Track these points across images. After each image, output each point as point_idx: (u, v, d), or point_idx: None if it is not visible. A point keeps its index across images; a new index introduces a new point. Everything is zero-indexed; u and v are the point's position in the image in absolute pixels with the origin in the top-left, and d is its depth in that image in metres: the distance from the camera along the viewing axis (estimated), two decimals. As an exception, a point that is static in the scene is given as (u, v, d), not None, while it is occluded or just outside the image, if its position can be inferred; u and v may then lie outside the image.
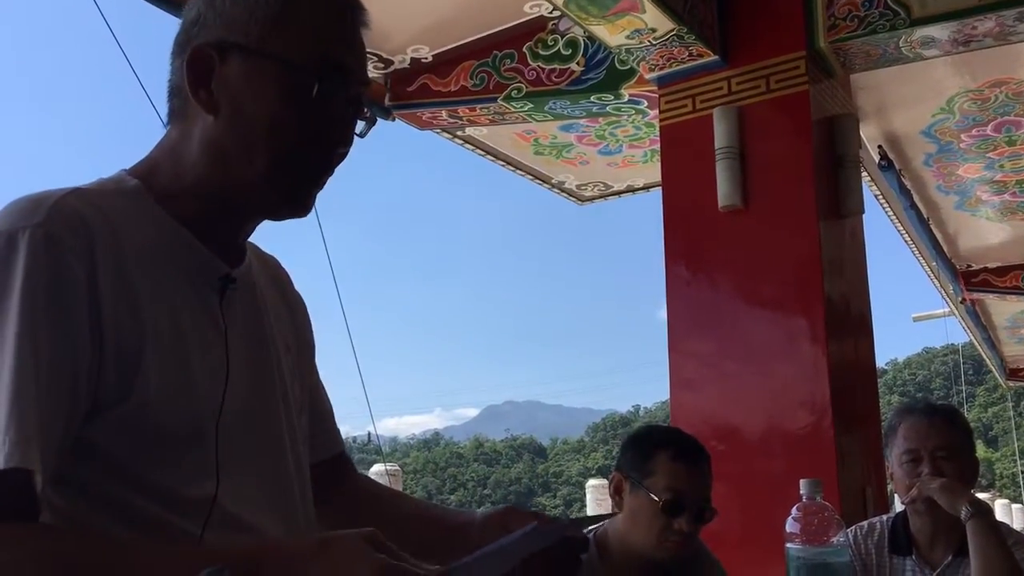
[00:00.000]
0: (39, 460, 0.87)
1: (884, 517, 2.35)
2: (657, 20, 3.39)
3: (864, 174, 4.90)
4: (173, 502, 0.98)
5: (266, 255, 1.23)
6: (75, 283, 0.93)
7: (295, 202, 1.07)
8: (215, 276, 1.06)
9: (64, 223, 0.94)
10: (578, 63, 4.17)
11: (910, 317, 15.02)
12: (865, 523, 2.36)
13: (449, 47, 4.36)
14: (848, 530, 2.30)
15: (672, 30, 3.47)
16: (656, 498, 1.93)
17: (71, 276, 0.92)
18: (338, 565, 0.84)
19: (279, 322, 1.17)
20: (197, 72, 1.02)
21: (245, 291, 1.11)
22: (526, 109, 4.39)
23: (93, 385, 0.93)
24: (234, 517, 1.02)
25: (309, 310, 1.31)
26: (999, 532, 2.06)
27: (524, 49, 4.28)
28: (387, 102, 4.51)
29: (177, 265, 1.03)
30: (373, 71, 4.31)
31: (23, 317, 0.89)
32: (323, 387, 1.32)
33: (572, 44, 4.18)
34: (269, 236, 1.21)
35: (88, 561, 0.88)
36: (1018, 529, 3.07)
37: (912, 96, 4.77)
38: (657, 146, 4.08)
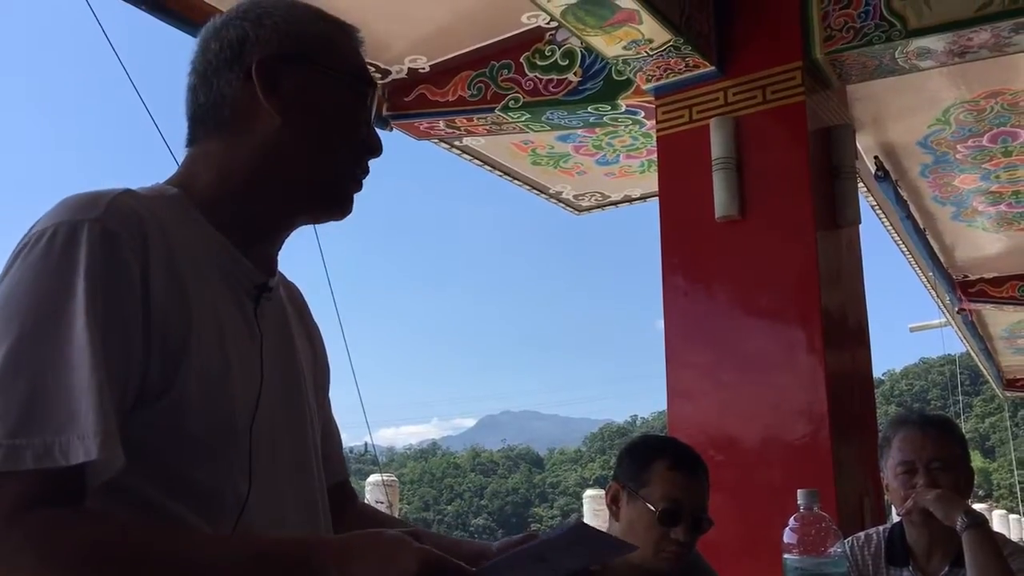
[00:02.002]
0: (120, 453, 0.91)
1: (881, 528, 2.35)
2: (654, 31, 3.40)
3: (860, 185, 4.91)
4: (203, 502, 0.99)
5: (288, 280, 1.27)
6: (131, 278, 0.96)
7: (344, 202, 1.15)
8: (252, 284, 1.11)
9: (121, 219, 0.97)
10: (575, 74, 4.18)
11: (907, 327, 15.04)
12: (862, 534, 2.36)
13: (446, 57, 4.37)
14: (845, 540, 2.29)
15: (669, 41, 3.48)
16: (653, 508, 1.92)
17: (127, 271, 0.96)
18: (385, 556, 0.90)
19: (301, 347, 1.21)
20: (265, 82, 1.10)
21: (276, 304, 1.16)
22: (523, 119, 4.40)
23: (139, 380, 0.96)
24: (262, 522, 1.04)
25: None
26: (995, 542, 2.06)
27: (521, 59, 4.29)
28: (385, 112, 4.52)
29: (219, 270, 1.07)
30: (371, 81, 4.31)
31: (88, 311, 0.92)
32: (333, 415, 1.35)
33: (569, 55, 4.19)
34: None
35: (154, 549, 0.91)
36: (1015, 539, 3.07)
37: (908, 107, 4.79)
38: (654, 156, 4.09)
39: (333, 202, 1.15)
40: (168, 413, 0.97)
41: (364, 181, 1.17)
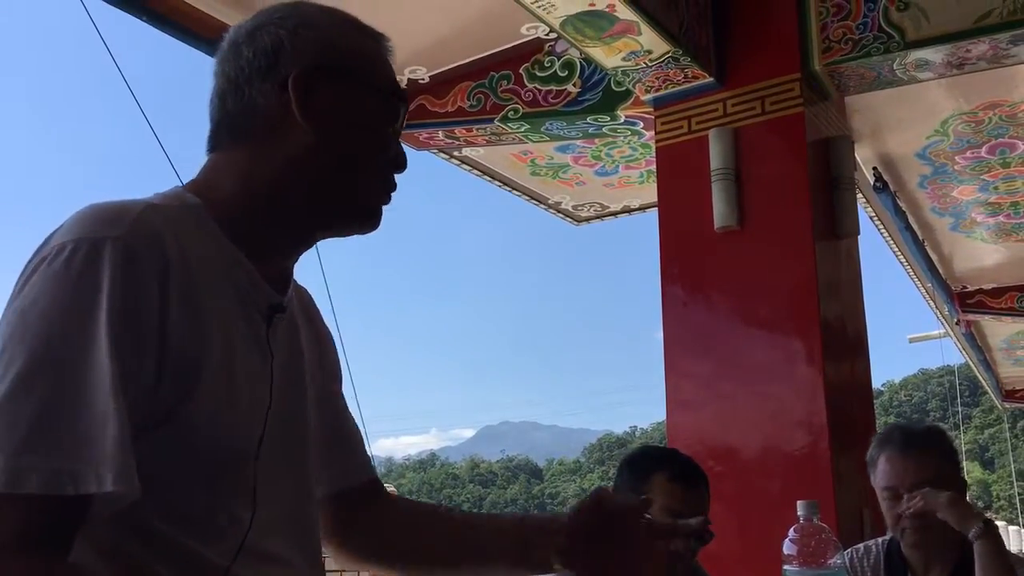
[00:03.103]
0: (137, 485, 0.89)
1: (880, 540, 2.33)
2: (653, 42, 3.41)
3: (859, 196, 4.92)
4: (203, 528, 0.97)
5: (300, 285, 1.23)
6: (150, 302, 0.93)
7: (373, 217, 1.14)
8: (265, 304, 1.08)
9: (143, 239, 0.94)
10: (574, 84, 4.19)
11: (906, 338, 15.05)
12: (861, 545, 2.35)
13: (446, 68, 4.38)
14: (845, 552, 2.29)
15: (668, 52, 3.49)
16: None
17: (147, 295, 0.92)
18: None
19: (309, 355, 1.18)
20: (300, 95, 1.07)
21: (287, 322, 1.13)
22: (523, 130, 4.40)
23: (147, 406, 0.93)
24: (261, 548, 1.02)
25: None
26: (1007, 553, 2.03)
27: (521, 70, 4.30)
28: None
29: (235, 290, 1.04)
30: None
31: (109, 335, 0.89)
32: (351, 415, 1.32)
33: (568, 65, 4.20)
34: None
35: None
36: (1015, 551, 3.06)
37: (907, 118, 4.80)
38: (653, 167, 4.10)
39: (363, 217, 1.13)
40: (173, 438, 0.95)
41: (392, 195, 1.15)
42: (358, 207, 1.12)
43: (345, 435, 1.28)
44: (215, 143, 1.11)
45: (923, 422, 3.13)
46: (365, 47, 1.13)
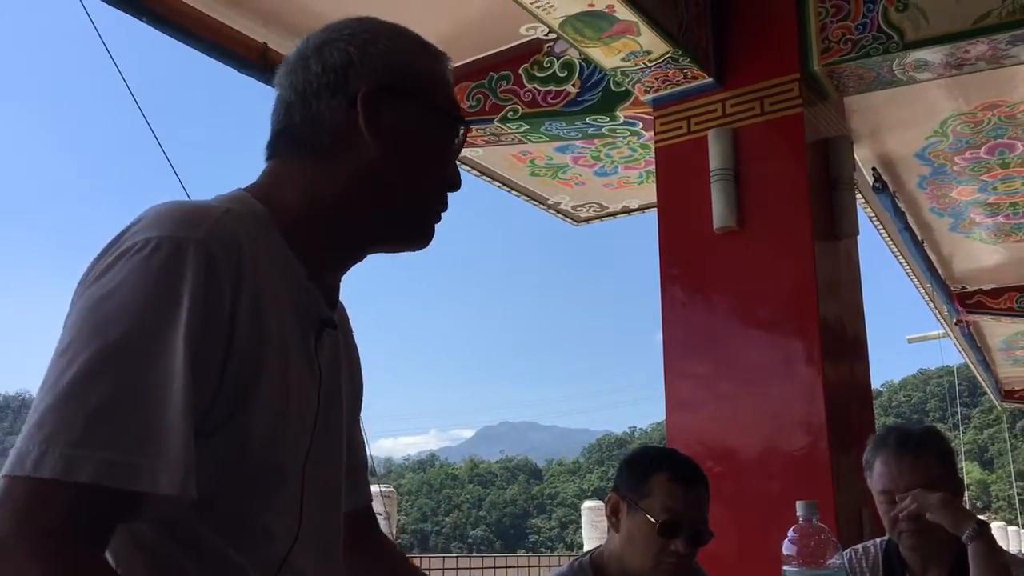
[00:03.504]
0: (194, 491, 0.89)
1: (878, 540, 2.34)
2: (652, 43, 3.41)
3: (858, 196, 4.92)
4: (246, 539, 0.98)
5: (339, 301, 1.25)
6: (222, 308, 0.93)
7: (428, 235, 1.15)
8: (318, 317, 1.09)
9: (222, 244, 0.95)
10: (573, 85, 4.19)
11: (905, 339, 15.07)
12: (860, 546, 2.35)
13: (445, 68, 4.38)
14: (844, 552, 2.29)
15: (667, 53, 3.49)
16: (653, 519, 1.92)
17: (220, 301, 0.93)
18: None
19: (344, 369, 1.19)
20: (368, 113, 1.08)
21: (332, 337, 1.14)
22: (522, 130, 4.41)
23: (207, 411, 0.93)
24: (303, 561, 1.03)
25: None
26: (1001, 553, 2.04)
27: (520, 71, 4.30)
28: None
29: (293, 301, 1.05)
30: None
31: (186, 336, 0.89)
32: (363, 438, 1.34)
33: (568, 66, 4.21)
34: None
35: None
36: (1014, 551, 3.06)
37: (906, 119, 4.81)
38: (652, 167, 4.10)
39: (418, 234, 1.15)
40: (227, 445, 0.95)
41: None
42: (416, 224, 1.14)
43: (355, 457, 1.29)
44: (275, 151, 1.13)
45: (920, 423, 3.13)
46: (430, 67, 1.15)
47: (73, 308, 0.92)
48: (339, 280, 1.16)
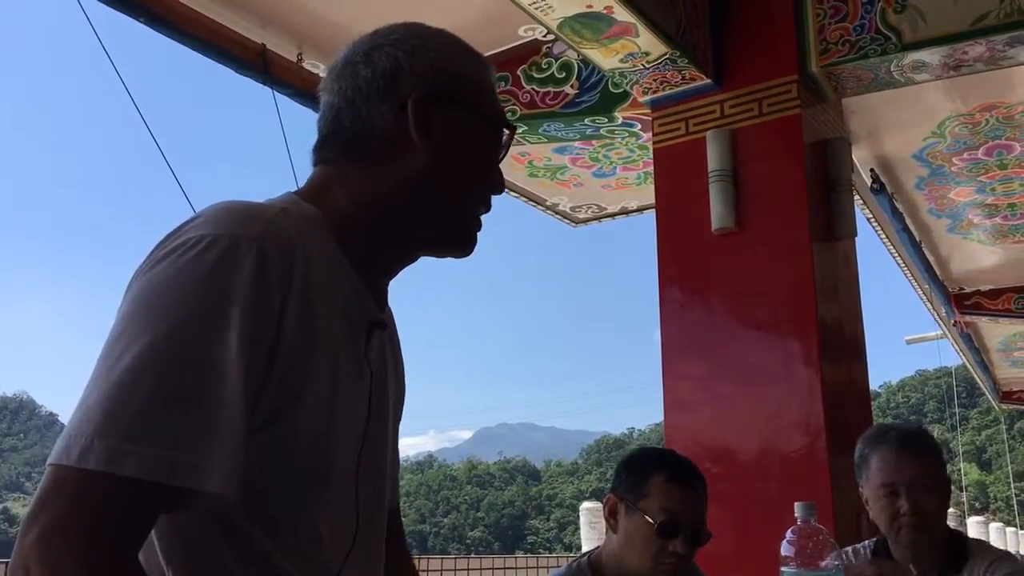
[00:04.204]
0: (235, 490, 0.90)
1: (866, 543, 2.35)
2: (650, 44, 3.42)
3: (856, 197, 4.92)
4: (296, 542, 0.98)
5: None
6: (272, 308, 0.94)
7: (472, 240, 1.16)
8: (367, 319, 1.09)
9: (276, 244, 0.96)
10: (572, 86, 4.19)
11: (903, 340, 15.08)
12: (849, 548, 2.35)
13: (444, 70, 4.38)
14: (844, 551, 2.30)
15: (665, 54, 3.49)
16: (651, 520, 1.92)
17: (271, 300, 0.94)
18: None
19: (391, 374, 1.20)
20: (418, 119, 1.09)
21: (381, 339, 1.14)
22: (520, 131, 4.41)
23: (255, 408, 0.94)
24: (358, 567, 1.04)
25: None
26: None
27: (518, 72, 4.30)
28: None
29: (343, 302, 1.05)
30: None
31: (241, 336, 0.90)
32: (398, 439, 1.33)
33: (566, 67, 4.21)
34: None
35: None
36: (1012, 551, 3.06)
37: (904, 120, 4.81)
38: (651, 168, 4.10)
39: (464, 240, 1.16)
40: (275, 444, 0.95)
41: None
42: (462, 231, 1.15)
43: (394, 459, 1.29)
44: (324, 156, 1.13)
45: (917, 424, 3.17)
46: (478, 74, 1.17)
47: (126, 297, 0.93)
48: (389, 281, 1.17)
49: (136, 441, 0.83)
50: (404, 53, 1.11)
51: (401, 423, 1.27)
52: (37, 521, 0.82)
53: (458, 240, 1.16)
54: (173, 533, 0.95)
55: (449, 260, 1.19)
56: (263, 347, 0.93)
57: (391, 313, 1.24)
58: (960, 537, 2.27)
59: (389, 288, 1.17)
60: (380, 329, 1.11)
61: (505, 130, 1.17)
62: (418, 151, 1.09)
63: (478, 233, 1.17)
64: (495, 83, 1.20)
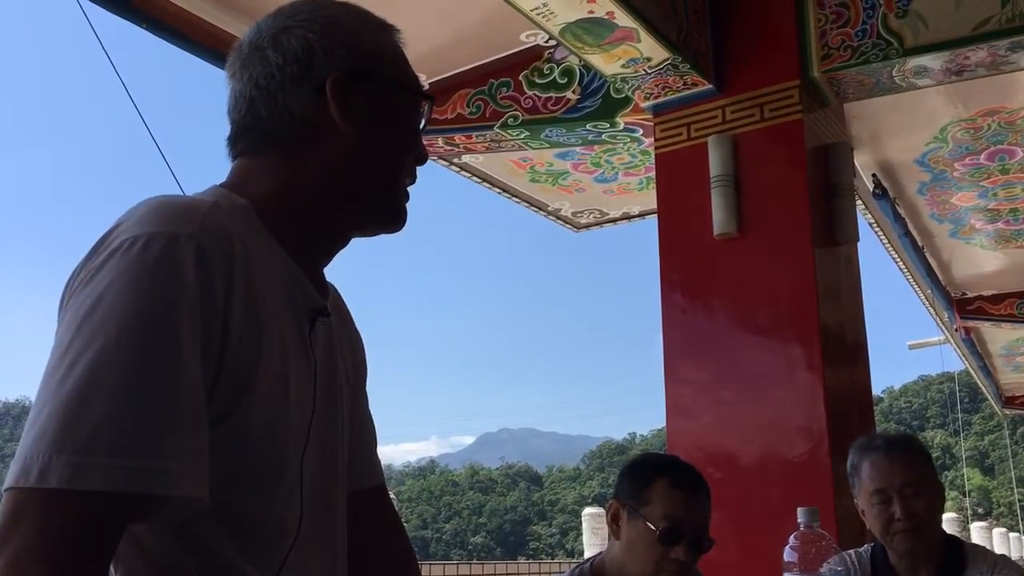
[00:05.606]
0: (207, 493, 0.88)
1: (863, 548, 2.35)
2: (652, 49, 3.42)
3: (858, 202, 4.92)
4: (249, 535, 0.97)
5: (330, 283, 1.22)
6: (216, 304, 0.91)
7: (403, 214, 1.15)
8: (309, 306, 1.07)
9: (214, 239, 0.93)
10: (573, 91, 4.19)
11: (906, 345, 15.08)
12: (845, 555, 2.35)
13: (446, 75, 4.39)
14: (847, 553, 2.30)
15: (667, 59, 3.49)
16: (653, 527, 1.91)
17: (215, 296, 0.91)
18: None
19: (343, 355, 1.18)
20: (338, 99, 1.07)
21: (326, 325, 1.12)
22: (522, 137, 4.41)
23: (208, 405, 0.92)
24: (303, 555, 1.02)
25: None
26: None
27: (520, 77, 4.30)
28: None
29: (284, 292, 1.03)
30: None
31: (186, 335, 0.87)
32: (371, 416, 1.32)
33: (568, 73, 4.21)
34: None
35: None
36: (1015, 558, 3.05)
37: (906, 125, 4.81)
38: (652, 174, 4.10)
39: (395, 215, 1.14)
40: (227, 438, 0.93)
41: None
42: (394, 206, 1.14)
43: (364, 435, 1.28)
44: (242, 148, 1.10)
45: (910, 431, 3.20)
46: (388, 42, 1.13)
47: (66, 312, 0.90)
48: (324, 267, 1.15)
49: (97, 453, 0.80)
50: (315, 34, 1.08)
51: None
52: (3, 551, 0.79)
53: (391, 216, 1.14)
54: (134, 552, 0.93)
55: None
56: (212, 343, 0.91)
57: (335, 289, 1.22)
58: (958, 542, 2.27)
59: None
60: (324, 316, 1.09)
61: (425, 99, 1.15)
62: (341, 132, 1.07)
63: (407, 206, 1.15)
64: (404, 50, 1.16)
